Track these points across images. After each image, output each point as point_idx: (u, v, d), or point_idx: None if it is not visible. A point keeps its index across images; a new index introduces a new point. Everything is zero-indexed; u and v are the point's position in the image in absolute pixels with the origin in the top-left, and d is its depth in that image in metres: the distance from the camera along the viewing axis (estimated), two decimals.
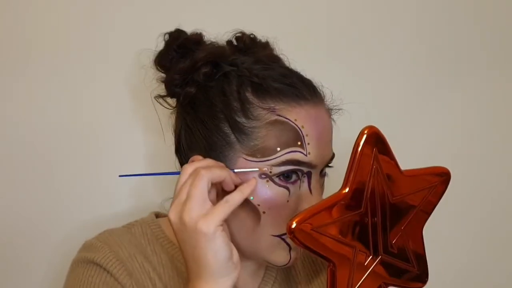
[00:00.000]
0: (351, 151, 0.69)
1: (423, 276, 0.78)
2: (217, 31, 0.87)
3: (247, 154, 0.75)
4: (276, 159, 0.75)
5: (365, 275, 0.71)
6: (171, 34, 0.84)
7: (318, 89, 0.82)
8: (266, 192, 0.75)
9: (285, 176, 0.75)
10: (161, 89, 0.85)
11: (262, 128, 0.75)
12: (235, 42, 0.87)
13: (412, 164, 0.75)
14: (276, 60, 0.86)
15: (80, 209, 1.07)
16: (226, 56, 0.82)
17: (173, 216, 0.71)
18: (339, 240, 0.69)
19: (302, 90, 0.78)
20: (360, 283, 0.70)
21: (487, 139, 1.24)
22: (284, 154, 0.75)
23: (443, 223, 1.04)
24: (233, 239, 0.76)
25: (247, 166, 0.75)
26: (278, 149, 0.75)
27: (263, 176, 0.75)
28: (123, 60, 1.04)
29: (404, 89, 1.19)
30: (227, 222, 0.77)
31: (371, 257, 0.72)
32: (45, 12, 1.04)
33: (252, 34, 0.87)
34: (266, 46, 0.88)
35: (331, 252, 0.69)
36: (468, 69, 1.21)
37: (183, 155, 0.82)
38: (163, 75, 0.85)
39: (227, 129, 0.77)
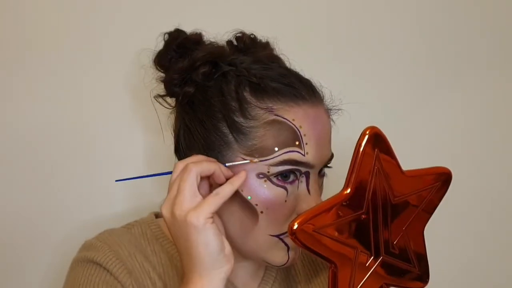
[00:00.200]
0: (353, 151, 0.69)
1: (424, 276, 0.78)
2: (217, 31, 0.86)
3: (245, 154, 0.75)
4: (274, 159, 0.74)
5: (367, 276, 0.71)
6: (170, 34, 0.84)
7: (317, 89, 0.82)
8: (264, 192, 0.75)
9: (283, 176, 0.75)
10: (161, 89, 0.85)
11: (260, 128, 0.75)
12: (235, 42, 0.87)
13: (411, 164, 0.75)
14: (275, 60, 0.86)
15: (80, 209, 1.07)
16: (225, 56, 0.82)
17: (165, 211, 0.73)
18: (340, 241, 0.69)
19: (301, 90, 0.78)
20: (362, 284, 0.70)
21: (487, 139, 1.24)
22: (282, 154, 0.74)
23: (443, 223, 1.04)
24: (231, 239, 0.76)
25: (244, 165, 0.75)
26: (276, 149, 0.75)
27: (261, 175, 0.75)
28: (122, 60, 1.04)
29: (404, 89, 1.19)
30: (225, 222, 0.77)
31: (372, 257, 0.71)
32: (44, 11, 1.04)
33: (252, 34, 0.87)
34: (266, 46, 0.88)
35: (333, 253, 0.69)
36: (468, 69, 1.21)
37: (182, 154, 0.82)
38: (163, 74, 0.85)
39: (225, 129, 0.77)
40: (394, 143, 0.72)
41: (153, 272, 0.82)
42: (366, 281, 0.71)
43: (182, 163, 0.74)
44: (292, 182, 0.76)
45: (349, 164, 0.69)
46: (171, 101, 0.86)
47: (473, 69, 1.21)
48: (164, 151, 0.94)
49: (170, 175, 0.75)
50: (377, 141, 0.70)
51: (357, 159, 0.69)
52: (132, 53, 1.00)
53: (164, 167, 0.81)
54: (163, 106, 0.87)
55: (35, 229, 1.06)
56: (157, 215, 0.90)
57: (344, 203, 0.69)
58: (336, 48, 1.15)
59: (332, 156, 0.81)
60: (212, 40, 0.86)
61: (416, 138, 1.20)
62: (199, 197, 0.71)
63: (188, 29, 0.85)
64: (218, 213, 0.76)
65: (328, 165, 0.81)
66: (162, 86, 0.84)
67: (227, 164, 0.75)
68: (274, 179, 0.75)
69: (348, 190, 0.69)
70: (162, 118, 0.90)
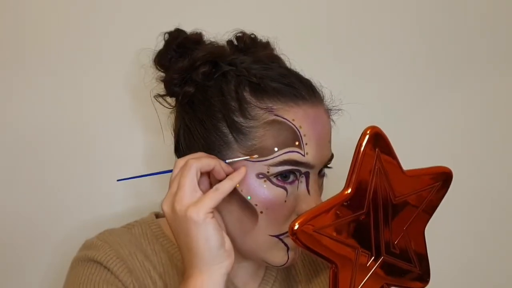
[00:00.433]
0: (353, 151, 0.69)
1: (425, 276, 0.78)
2: (217, 30, 0.86)
3: (245, 154, 0.75)
4: (274, 159, 0.74)
5: (368, 276, 0.71)
6: (171, 33, 0.84)
7: (317, 89, 0.82)
8: (264, 192, 0.75)
9: (283, 176, 0.75)
10: (161, 89, 0.85)
11: (260, 128, 0.75)
12: (235, 42, 0.87)
13: (411, 164, 0.75)
14: (275, 60, 0.86)
15: (80, 209, 1.07)
16: (225, 56, 0.82)
17: (165, 206, 0.73)
18: (341, 241, 0.69)
19: (301, 90, 0.78)
20: (363, 284, 0.70)
21: (487, 139, 1.24)
22: (282, 154, 0.74)
23: (443, 223, 1.03)
24: (231, 239, 0.76)
25: (245, 163, 0.75)
26: (276, 149, 0.74)
27: (260, 176, 0.75)
28: (122, 60, 1.04)
29: (404, 89, 1.19)
30: (224, 222, 0.77)
31: (373, 258, 0.71)
32: (44, 11, 1.04)
33: (252, 34, 0.87)
34: (266, 46, 0.88)
35: (334, 254, 0.68)
36: (468, 69, 1.21)
37: (182, 154, 0.81)
38: (163, 74, 0.85)
39: (225, 129, 0.77)
40: (394, 143, 0.72)
41: (154, 271, 0.82)
42: (367, 281, 0.71)
43: (182, 160, 0.74)
44: (292, 183, 0.76)
45: (350, 164, 0.69)
46: (171, 100, 0.86)
47: (473, 69, 1.21)
48: (164, 151, 0.93)
49: (170, 173, 0.75)
50: (377, 140, 0.70)
51: (357, 159, 0.69)
52: (132, 53, 1.00)
53: (164, 167, 0.81)
54: (163, 105, 0.87)
55: (35, 229, 1.06)
56: (157, 215, 0.90)
57: (344, 203, 0.69)
58: (336, 48, 1.15)
59: (332, 156, 0.81)
60: (212, 40, 0.86)
61: (416, 138, 1.20)
62: (199, 193, 0.72)
63: (188, 29, 0.85)
64: (218, 213, 0.76)
65: (328, 166, 0.81)
66: (162, 85, 0.84)
67: (227, 161, 0.75)
68: (274, 179, 0.75)
69: (349, 190, 0.69)
70: (162, 118, 0.90)
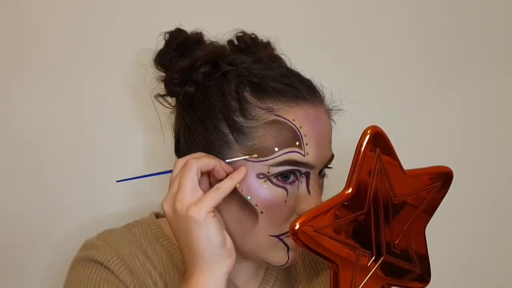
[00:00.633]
0: (354, 151, 0.69)
1: (426, 276, 0.78)
2: (218, 30, 0.86)
3: (245, 154, 0.75)
4: (274, 159, 0.74)
5: (368, 276, 0.71)
6: (171, 33, 0.84)
7: (317, 89, 0.82)
8: (264, 192, 0.75)
9: (283, 177, 0.75)
10: (161, 88, 0.85)
11: (260, 128, 0.75)
12: (236, 42, 0.87)
13: (411, 164, 0.75)
14: (276, 60, 0.86)
15: (80, 209, 1.07)
16: (226, 56, 0.82)
17: (166, 206, 0.73)
18: (342, 241, 0.69)
19: (301, 90, 0.78)
20: (363, 284, 0.70)
21: (487, 139, 1.24)
22: (282, 155, 0.74)
23: (443, 223, 1.03)
24: (231, 239, 0.76)
25: (245, 162, 0.75)
26: (276, 149, 0.74)
27: (261, 176, 0.75)
28: (122, 60, 1.04)
29: (404, 89, 1.19)
30: (225, 222, 0.77)
31: (374, 257, 0.71)
32: (44, 11, 1.03)
33: (253, 33, 0.87)
34: (267, 46, 0.88)
35: (334, 254, 0.68)
36: (468, 69, 1.21)
37: (182, 154, 0.81)
38: (163, 74, 0.85)
39: (225, 129, 0.77)
40: (394, 143, 0.72)
41: (154, 271, 0.82)
42: (367, 281, 0.71)
43: (182, 160, 0.74)
44: (292, 183, 0.76)
45: (350, 164, 0.69)
46: (172, 100, 0.86)
47: (473, 69, 1.21)
48: (164, 151, 0.93)
49: (170, 173, 0.75)
50: (378, 140, 0.70)
51: (358, 159, 0.69)
52: (132, 53, 1.00)
53: (164, 167, 0.81)
54: (163, 105, 0.87)
55: (35, 229, 1.06)
56: (158, 215, 0.90)
57: (345, 203, 0.69)
58: (336, 48, 1.15)
59: (332, 156, 0.81)
60: (213, 39, 0.86)
61: (416, 138, 1.20)
62: (200, 192, 0.72)
63: (188, 28, 0.85)
64: (219, 212, 0.76)
65: (329, 166, 0.81)
66: (162, 85, 0.84)
67: (226, 160, 0.76)
68: (274, 180, 0.75)
69: (350, 190, 0.69)
70: (162, 117, 0.90)
